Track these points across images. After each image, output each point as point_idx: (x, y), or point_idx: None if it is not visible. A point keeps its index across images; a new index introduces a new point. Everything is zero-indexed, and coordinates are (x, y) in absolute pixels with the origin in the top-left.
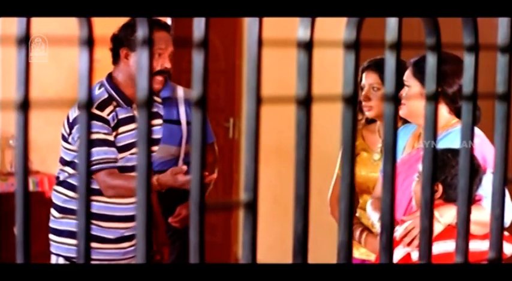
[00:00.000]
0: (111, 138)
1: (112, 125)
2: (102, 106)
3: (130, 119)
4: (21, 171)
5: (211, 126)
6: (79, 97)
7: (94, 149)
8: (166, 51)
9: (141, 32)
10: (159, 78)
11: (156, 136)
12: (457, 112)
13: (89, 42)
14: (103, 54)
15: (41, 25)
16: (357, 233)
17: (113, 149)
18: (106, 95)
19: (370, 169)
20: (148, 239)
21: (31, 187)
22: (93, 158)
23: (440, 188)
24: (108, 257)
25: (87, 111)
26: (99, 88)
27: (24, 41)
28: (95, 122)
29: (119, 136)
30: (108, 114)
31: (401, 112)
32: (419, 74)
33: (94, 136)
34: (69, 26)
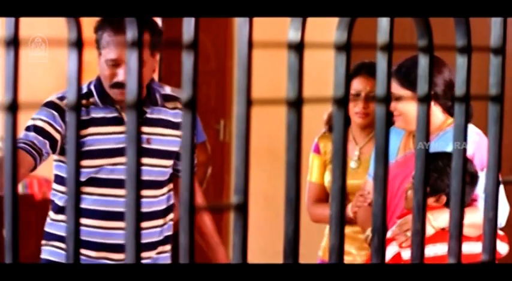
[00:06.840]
0: (51, 131)
1: None
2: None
3: (110, 121)
4: (10, 173)
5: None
6: (68, 99)
7: (25, 131)
8: (122, 60)
9: (130, 33)
10: (115, 91)
11: (167, 148)
12: (450, 111)
13: (78, 44)
14: (93, 56)
15: (30, 26)
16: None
17: (46, 141)
18: (85, 90)
19: (347, 177)
20: (138, 240)
21: (20, 190)
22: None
23: (444, 199)
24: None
25: (77, 113)
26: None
27: (13, 41)
28: (45, 109)
29: (88, 138)
30: None
31: (398, 124)
32: (407, 82)
33: (34, 122)
34: (59, 27)
